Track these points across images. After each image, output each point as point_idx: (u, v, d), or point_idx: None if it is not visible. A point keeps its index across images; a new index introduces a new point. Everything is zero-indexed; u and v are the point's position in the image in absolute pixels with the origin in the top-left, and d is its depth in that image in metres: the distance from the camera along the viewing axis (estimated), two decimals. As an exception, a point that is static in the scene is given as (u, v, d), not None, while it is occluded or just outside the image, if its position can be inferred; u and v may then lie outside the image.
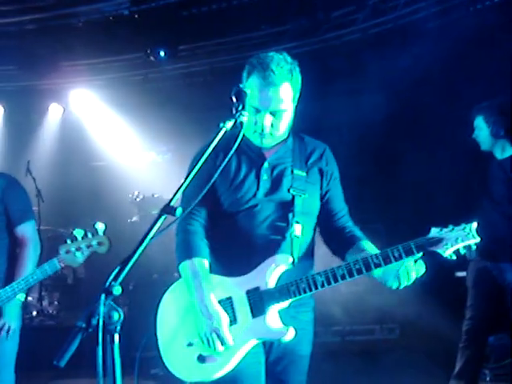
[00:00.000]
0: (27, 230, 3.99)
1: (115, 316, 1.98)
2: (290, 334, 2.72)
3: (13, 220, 3.95)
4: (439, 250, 2.62)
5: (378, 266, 2.65)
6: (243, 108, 2.46)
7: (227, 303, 2.79)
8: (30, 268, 3.88)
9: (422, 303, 6.76)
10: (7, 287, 3.67)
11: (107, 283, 1.99)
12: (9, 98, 10.30)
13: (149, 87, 9.99)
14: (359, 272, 2.67)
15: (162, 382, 5.76)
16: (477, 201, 4.82)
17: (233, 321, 2.77)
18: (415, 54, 7.43)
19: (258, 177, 2.89)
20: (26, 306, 4.07)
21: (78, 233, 3.54)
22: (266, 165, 2.91)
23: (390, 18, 8.01)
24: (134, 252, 2.07)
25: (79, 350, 1.95)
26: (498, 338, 5.79)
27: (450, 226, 2.64)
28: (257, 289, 2.75)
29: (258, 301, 2.74)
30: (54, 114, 10.84)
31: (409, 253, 2.62)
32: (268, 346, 2.86)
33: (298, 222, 2.84)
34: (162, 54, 8.35)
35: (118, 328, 1.98)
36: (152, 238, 2.11)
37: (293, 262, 2.79)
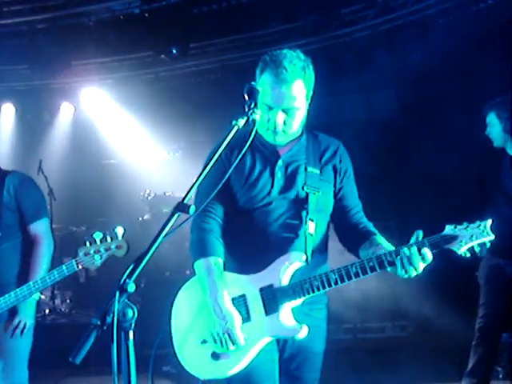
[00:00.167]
0: (40, 228, 4.01)
1: (129, 313, 1.99)
2: (303, 332, 2.72)
3: (26, 218, 3.97)
4: (454, 248, 2.61)
5: (391, 264, 2.63)
6: (255, 106, 2.45)
7: (241, 301, 2.79)
8: (44, 266, 3.90)
9: (434, 300, 6.75)
10: (24, 286, 3.68)
11: (121, 281, 1.99)
12: (20, 97, 10.35)
13: (160, 85, 10.02)
14: (372, 269, 2.67)
15: (174, 379, 5.77)
16: (490, 197, 4.79)
17: (246, 318, 2.77)
18: (426, 49, 7.41)
19: (272, 175, 2.89)
20: (38, 305, 4.08)
21: (97, 235, 3.56)
22: (280, 162, 2.91)
23: (401, 15, 7.98)
24: (148, 250, 2.08)
25: (90, 347, 1.96)
26: (511, 336, 5.77)
27: (465, 224, 2.63)
28: (270, 286, 2.76)
29: (272, 298, 2.74)
30: (65, 113, 10.88)
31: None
32: (282, 344, 2.87)
33: (311, 220, 2.83)
34: (173, 51, 8.35)
35: (133, 325, 1.99)
36: (165, 235, 2.11)
37: (306, 259, 2.79)
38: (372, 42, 8.29)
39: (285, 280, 2.76)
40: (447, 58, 7.35)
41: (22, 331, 3.85)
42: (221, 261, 2.86)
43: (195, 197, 2.81)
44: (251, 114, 2.42)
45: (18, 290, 3.69)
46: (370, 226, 2.97)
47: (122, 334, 1.97)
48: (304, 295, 2.73)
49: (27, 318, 3.87)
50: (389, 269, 2.68)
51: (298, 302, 2.76)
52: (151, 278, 7.15)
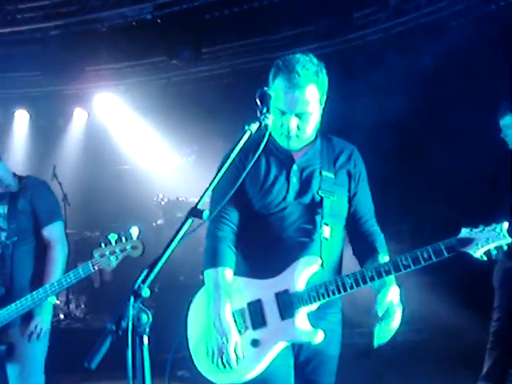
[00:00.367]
0: (54, 231, 4.04)
1: (144, 318, 2.00)
2: (319, 337, 2.72)
3: (40, 221, 4.01)
4: (470, 251, 2.59)
5: (407, 267, 2.62)
6: (268, 111, 2.45)
7: (257, 305, 2.79)
8: (59, 269, 3.93)
9: (449, 304, 6.71)
10: (40, 289, 3.71)
11: (136, 286, 2.00)
12: (34, 103, 10.43)
13: (172, 90, 10.05)
14: (388, 273, 2.66)
15: (188, 383, 5.78)
16: (503, 200, 4.76)
17: (262, 323, 2.77)
18: (438, 52, 7.39)
19: (287, 180, 2.88)
20: (53, 309, 4.11)
21: (112, 237, 3.58)
22: (295, 167, 2.90)
23: (413, 17, 7.96)
24: (162, 255, 2.09)
25: (105, 352, 1.97)
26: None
27: (481, 227, 2.61)
28: (286, 291, 2.75)
29: (288, 303, 2.74)
30: (78, 119, 10.94)
31: (438, 254, 2.59)
32: (297, 348, 2.86)
33: (326, 224, 2.83)
34: (185, 56, 8.39)
35: (147, 330, 2.00)
36: (179, 240, 2.12)
37: (322, 264, 2.79)
38: (384, 45, 8.28)
39: (300, 285, 2.75)
40: (459, 61, 7.33)
41: (39, 335, 3.88)
42: (230, 271, 2.87)
43: (210, 202, 2.82)
44: (263, 119, 2.42)
45: (34, 293, 3.71)
46: (377, 240, 2.96)
47: (136, 338, 1.98)
48: (319, 300, 2.72)
49: (44, 322, 3.90)
50: (404, 272, 2.68)
51: (314, 306, 2.75)
52: (165, 283, 7.17)
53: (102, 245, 3.61)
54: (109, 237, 3.58)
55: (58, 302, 8.10)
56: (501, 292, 4.83)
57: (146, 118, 10.28)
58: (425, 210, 7.72)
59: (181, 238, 2.12)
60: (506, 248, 2.60)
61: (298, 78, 2.71)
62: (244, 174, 2.40)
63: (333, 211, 2.87)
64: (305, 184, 2.88)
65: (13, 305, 3.73)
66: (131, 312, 1.95)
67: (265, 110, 2.45)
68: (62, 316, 8.15)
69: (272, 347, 2.74)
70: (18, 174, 4.13)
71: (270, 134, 2.47)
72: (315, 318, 2.76)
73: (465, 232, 2.62)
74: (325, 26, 7.91)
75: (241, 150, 2.36)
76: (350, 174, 2.96)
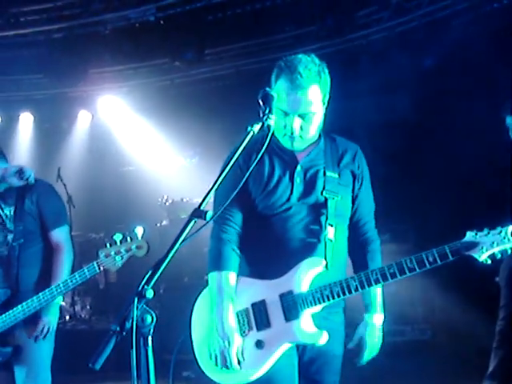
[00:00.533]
0: (61, 235, 4.06)
1: (148, 319, 2.00)
2: (323, 339, 2.72)
3: (47, 224, 4.03)
4: (474, 255, 2.58)
5: (412, 270, 2.62)
6: (270, 111, 2.44)
7: (260, 306, 2.80)
8: (65, 273, 3.94)
9: (454, 303, 6.70)
10: (46, 290, 3.72)
11: (140, 287, 2.01)
12: (38, 105, 10.46)
13: (175, 92, 10.06)
14: (393, 276, 2.66)
15: (193, 384, 5.78)
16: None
17: (266, 324, 2.78)
18: (441, 51, 7.38)
19: (291, 180, 2.88)
20: (59, 311, 4.12)
21: (117, 237, 3.59)
22: (298, 168, 2.90)
23: (415, 16, 7.96)
24: (166, 255, 2.09)
25: (110, 353, 1.98)
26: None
27: (486, 230, 2.60)
28: (290, 292, 2.76)
29: (292, 305, 2.75)
30: (82, 121, 10.97)
31: (443, 257, 2.59)
32: (301, 348, 2.86)
33: (331, 225, 2.83)
34: (189, 58, 8.40)
35: (152, 331, 2.01)
36: (183, 241, 2.13)
37: (326, 265, 2.79)
38: (387, 44, 8.27)
39: (304, 286, 2.75)
40: (462, 60, 7.32)
41: (45, 336, 3.89)
42: (233, 275, 2.87)
43: (213, 203, 2.83)
44: (266, 120, 2.41)
45: (40, 294, 3.72)
46: (372, 249, 2.99)
47: (141, 339, 1.99)
48: (324, 301, 2.73)
49: (51, 322, 3.91)
50: (409, 275, 2.68)
51: (318, 308, 2.76)
52: (170, 284, 7.19)
53: (108, 245, 3.63)
54: (114, 237, 3.60)
55: (63, 303, 8.12)
56: (506, 291, 4.81)
57: (150, 119, 10.29)
58: (430, 210, 7.70)
59: (184, 239, 2.13)
60: (510, 252, 2.60)
61: (300, 79, 2.71)
62: (247, 175, 2.40)
63: (337, 212, 2.87)
64: (309, 184, 2.88)
65: (19, 306, 3.74)
66: (135, 313, 1.96)
67: (267, 111, 2.44)
68: (67, 317, 8.18)
69: (276, 349, 2.75)
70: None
71: (272, 135, 2.48)
72: (319, 318, 2.77)
73: (470, 236, 2.61)
74: (327, 25, 7.91)
75: (244, 150, 2.36)
76: (354, 175, 2.96)
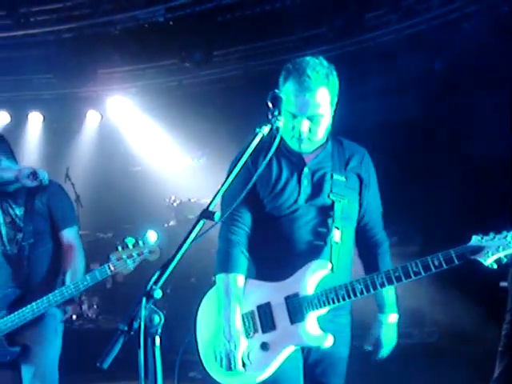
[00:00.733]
0: (71, 235, 4.07)
1: (156, 319, 2.01)
2: (328, 342, 2.73)
3: (57, 224, 4.04)
4: (480, 259, 2.58)
5: (417, 274, 2.63)
6: (279, 113, 2.45)
7: (266, 309, 2.80)
8: (81, 271, 3.96)
9: (461, 306, 6.68)
10: (56, 291, 3.73)
11: (148, 287, 2.02)
12: (47, 105, 10.49)
13: (184, 93, 10.07)
14: (398, 280, 2.67)
15: (200, 385, 5.79)
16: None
17: (271, 327, 2.78)
18: (450, 54, 7.37)
19: (299, 182, 2.88)
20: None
21: (130, 241, 3.60)
22: (306, 170, 2.90)
23: (425, 19, 7.94)
24: (174, 256, 2.10)
25: (117, 353, 1.99)
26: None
27: (492, 234, 2.60)
28: (296, 295, 2.76)
29: (297, 307, 2.75)
30: (91, 121, 11.00)
31: (449, 261, 2.59)
32: (306, 350, 2.86)
33: (337, 228, 2.83)
34: (197, 59, 8.42)
35: (159, 331, 2.01)
36: (191, 242, 2.13)
37: (332, 267, 2.79)
38: (396, 46, 8.26)
39: (310, 288, 2.76)
40: (472, 62, 7.30)
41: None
42: (241, 278, 2.87)
43: (221, 204, 2.83)
44: (275, 122, 2.42)
45: (50, 295, 3.73)
46: (379, 253, 3.01)
47: (148, 339, 2.00)
48: (329, 304, 2.73)
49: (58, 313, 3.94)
50: (414, 279, 2.68)
51: (324, 311, 2.76)
52: (177, 284, 7.19)
53: (119, 248, 3.63)
54: (126, 240, 3.61)
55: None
56: (514, 294, 4.80)
57: (158, 120, 10.31)
58: (438, 213, 7.68)
59: (192, 240, 2.13)
60: None
61: (308, 81, 2.72)
62: (255, 176, 2.40)
63: (344, 214, 2.87)
64: (316, 187, 2.89)
65: (29, 306, 3.75)
66: (143, 313, 1.97)
67: (276, 113, 2.44)
68: (74, 317, 8.18)
69: (281, 351, 2.75)
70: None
71: (281, 137, 2.48)
72: (324, 320, 2.77)
73: (475, 240, 2.61)
74: (336, 27, 7.90)
75: (252, 152, 2.36)
76: (361, 179, 2.97)
